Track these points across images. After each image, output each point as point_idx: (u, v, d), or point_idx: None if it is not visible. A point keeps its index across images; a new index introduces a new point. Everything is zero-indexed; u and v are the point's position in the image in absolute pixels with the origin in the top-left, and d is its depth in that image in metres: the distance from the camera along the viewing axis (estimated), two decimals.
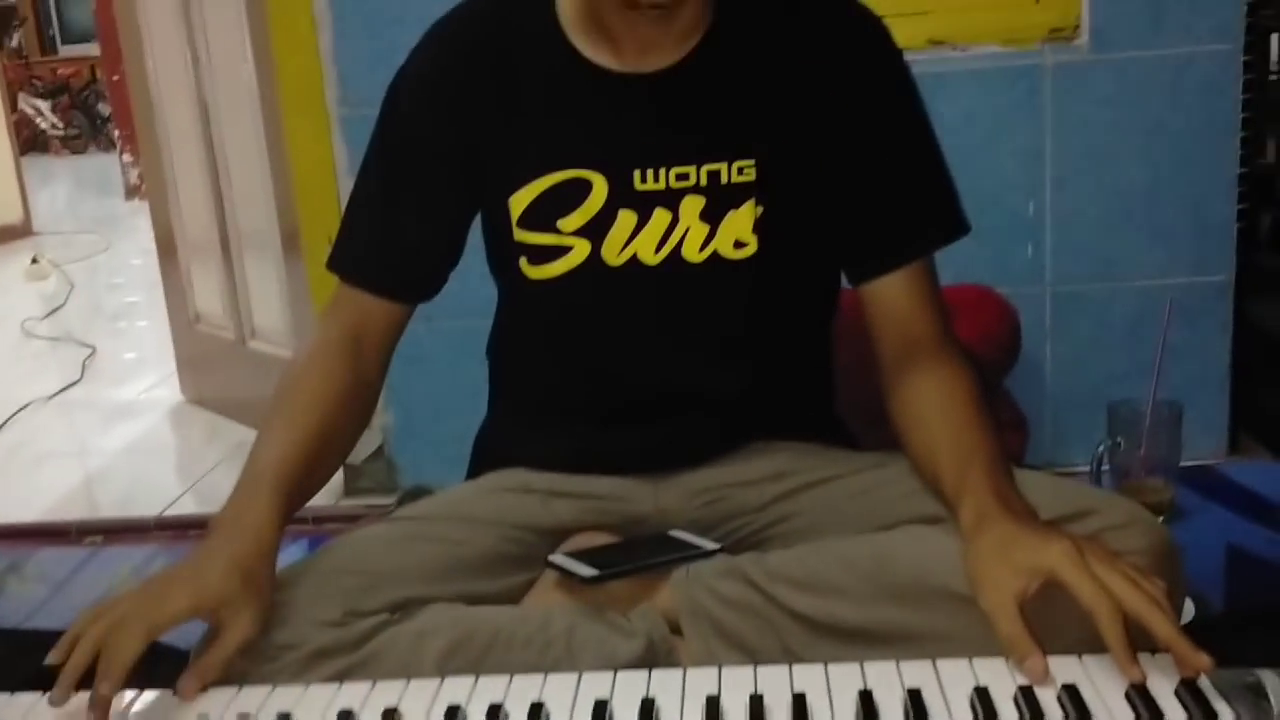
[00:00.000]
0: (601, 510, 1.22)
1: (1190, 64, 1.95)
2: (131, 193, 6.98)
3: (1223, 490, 1.93)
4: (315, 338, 1.20)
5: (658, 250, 1.14)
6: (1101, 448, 1.71)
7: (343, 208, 1.24)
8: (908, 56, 1.19)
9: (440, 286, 1.23)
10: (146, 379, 3.30)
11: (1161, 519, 1.63)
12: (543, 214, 1.15)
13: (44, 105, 10.36)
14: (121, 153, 7.18)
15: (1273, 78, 3.08)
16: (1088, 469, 1.75)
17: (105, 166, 8.18)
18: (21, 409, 3.07)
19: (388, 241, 1.20)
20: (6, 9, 11.05)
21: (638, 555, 1.15)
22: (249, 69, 2.40)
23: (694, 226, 1.14)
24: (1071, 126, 1.98)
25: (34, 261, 5.02)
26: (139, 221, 5.85)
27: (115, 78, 6.66)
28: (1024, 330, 1.94)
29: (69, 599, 1.81)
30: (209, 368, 2.95)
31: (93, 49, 8.85)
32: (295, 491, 1.07)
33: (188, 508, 2.28)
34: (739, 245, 1.14)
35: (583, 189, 1.14)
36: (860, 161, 1.15)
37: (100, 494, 2.53)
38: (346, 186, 2.04)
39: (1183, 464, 1.76)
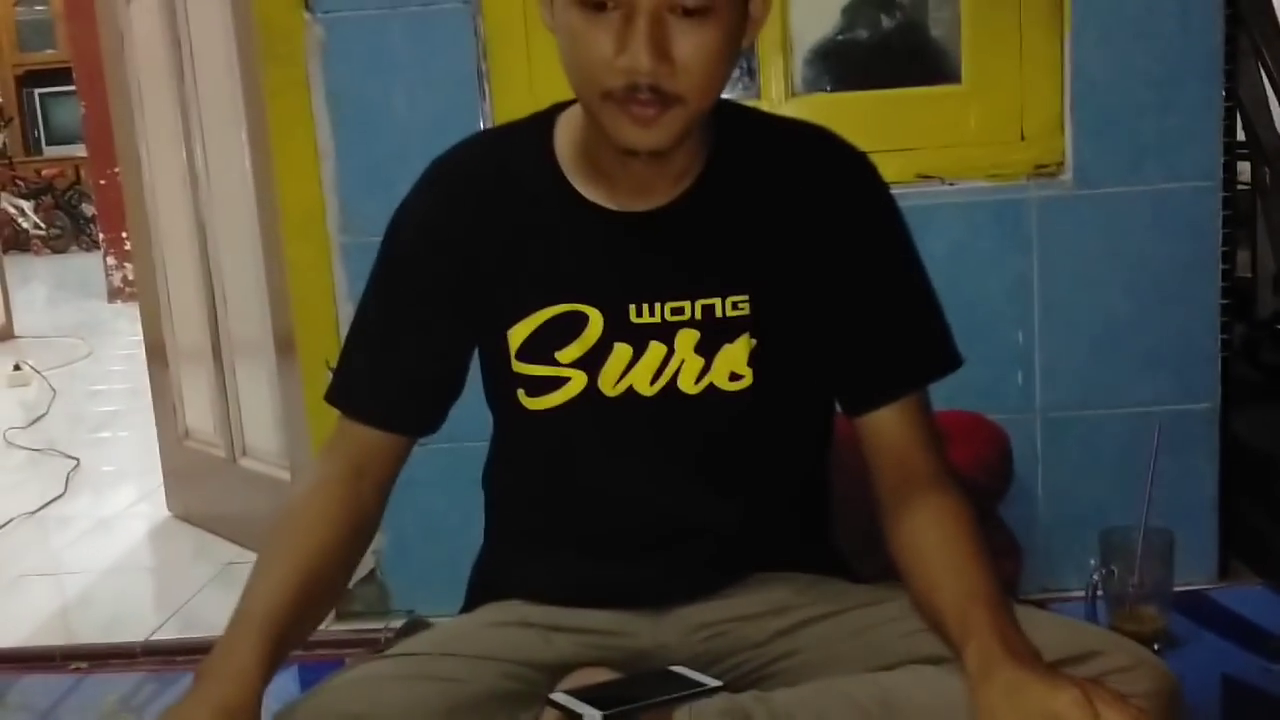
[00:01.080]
0: (602, 645, 1.21)
1: (1172, 199, 1.99)
2: (115, 295, 6.92)
3: (1215, 617, 1.93)
4: (315, 472, 1.20)
5: (653, 382, 1.16)
6: (1095, 576, 1.72)
7: (342, 333, 1.25)
8: (897, 190, 1.21)
9: (441, 420, 1.23)
10: (130, 492, 3.25)
11: (1156, 647, 1.65)
12: (541, 346, 1.17)
13: (27, 205, 10.32)
14: (106, 255, 7.10)
15: (1242, 188, 3.16)
16: (1081, 594, 1.76)
17: (87, 267, 8.08)
18: (3, 525, 3.01)
19: (387, 375, 1.20)
20: None
21: (640, 693, 1.13)
22: (249, 193, 2.42)
23: (689, 359, 1.15)
24: (1058, 258, 2.03)
25: (16, 368, 4.96)
26: (121, 324, 5.82)
27: (102, 181, 6.64)
28: (1015, 456, 1.95)
29: None
30: (198, 484, 2.91)
31: (78, 150, 8.83)
32: (285, 635, 1.06)
33: (175, 631, 2.21)
34: (734, 378, 1.16)
35: (579, 322, 1.16)
36: (853, 297, 1.17)
37: (85, 615, 2.46)
38: (346, 312, 2.05)
39: (1174, 589, 1.77)
